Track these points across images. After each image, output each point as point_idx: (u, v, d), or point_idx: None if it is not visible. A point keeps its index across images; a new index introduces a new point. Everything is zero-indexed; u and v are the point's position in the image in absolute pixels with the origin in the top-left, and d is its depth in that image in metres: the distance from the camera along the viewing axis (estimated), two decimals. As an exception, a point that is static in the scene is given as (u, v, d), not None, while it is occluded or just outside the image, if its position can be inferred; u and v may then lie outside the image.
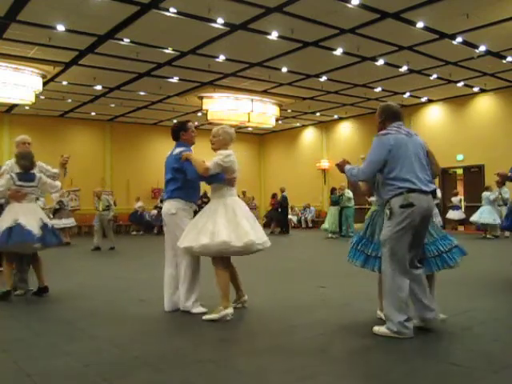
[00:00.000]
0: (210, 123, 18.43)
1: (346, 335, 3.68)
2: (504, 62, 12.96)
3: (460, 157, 16.85)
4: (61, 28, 10.16)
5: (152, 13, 9.50)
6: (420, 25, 10.38)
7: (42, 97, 15.05)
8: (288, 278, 6.85)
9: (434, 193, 3.70)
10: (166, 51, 11.87)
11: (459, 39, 11.29)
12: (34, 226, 5.15)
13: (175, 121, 20.13)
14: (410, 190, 3.55)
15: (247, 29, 10.50)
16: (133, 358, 3.20)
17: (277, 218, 17.70)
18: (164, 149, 24.56)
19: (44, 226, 5.27)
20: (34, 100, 13.81)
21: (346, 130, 20.79)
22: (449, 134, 17.18)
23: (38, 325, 4.21)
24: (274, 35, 10.85)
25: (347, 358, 3.13)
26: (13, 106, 16.51)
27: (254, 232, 4.20)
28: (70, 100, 16.44)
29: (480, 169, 16.22)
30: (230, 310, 4.17)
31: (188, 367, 3.02)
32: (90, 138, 19.72)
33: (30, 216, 5.23)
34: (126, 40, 10.97)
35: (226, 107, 16.49)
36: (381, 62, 12.89)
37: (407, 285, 3.56)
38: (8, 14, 9.51)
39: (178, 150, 4.59)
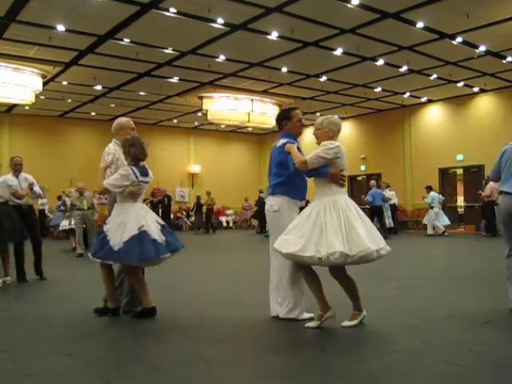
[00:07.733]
0: (210, 123, 18.47)
1: (345, 335, 3.68)
2: (504, 62, 12.97)
3: (460, 157, 16.85)
4: (61, 28, 10.17)
5: (152, 13, 9.51)
6: (420, 25, 10.40)
7: (42, 97, 15.06)
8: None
9: None
10: (166, 51, 11.88)
11: (459, 39, 11.30)
12: (155, 233, 4.22)
13: (175, 120, 20.18)
14: None
15: (247, 29, 10.51)
16: (133, 358, 3.20)
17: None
18: (164, 148, 24.44)
19: (163, 229, 4.34)
20: (33, 100, 13.83)
21: (346, 130, 20.72)
22: (449, 133, 17.18)
23: (38, 325, 4.20)
24: (274, 35, 10.85)
25: (347, 358, 3.13)
26: (13, 106, 16.52)
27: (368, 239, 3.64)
28: (70, 100, 16.46)
29: (480, 169, 16.20)
30: (329, 314, 3.85)
31: (188, 367, 3.01)
32: (90, 138, 19.70)
33: (150, 220, 4.29)
34: (126, 40, 10.98)
35: (226, 107, 16.49)
36: (381, 62, 12.90)
37: None
38: (8, 14, 9.52)
39: (282, 141, 4.17)
